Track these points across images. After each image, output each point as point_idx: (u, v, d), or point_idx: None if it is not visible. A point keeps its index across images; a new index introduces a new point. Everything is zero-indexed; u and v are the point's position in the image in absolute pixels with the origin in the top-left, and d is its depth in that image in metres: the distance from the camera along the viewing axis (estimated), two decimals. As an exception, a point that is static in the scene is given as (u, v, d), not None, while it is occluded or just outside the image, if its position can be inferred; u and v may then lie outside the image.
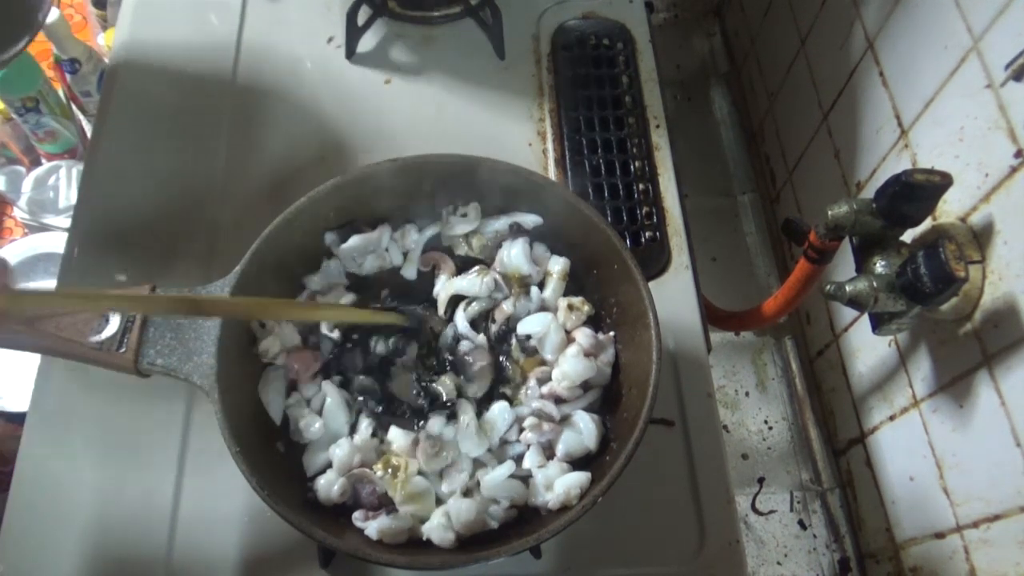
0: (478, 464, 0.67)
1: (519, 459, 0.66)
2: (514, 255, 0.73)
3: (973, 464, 0.77)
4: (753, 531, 1.06)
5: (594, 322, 0.73)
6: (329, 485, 0.64)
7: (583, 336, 0.70)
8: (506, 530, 0.64)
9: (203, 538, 0.72)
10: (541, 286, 0.74)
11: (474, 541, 0.62)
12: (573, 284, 0.74)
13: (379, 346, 0.71)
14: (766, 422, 1.14)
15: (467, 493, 0.65)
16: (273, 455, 0.67)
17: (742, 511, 1.07)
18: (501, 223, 0.74)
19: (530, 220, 0.74)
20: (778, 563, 1.04)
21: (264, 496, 0.58)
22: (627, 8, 1.04)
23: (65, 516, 0.72)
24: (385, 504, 0.64)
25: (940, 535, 0.82)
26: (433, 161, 0.72)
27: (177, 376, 0.62)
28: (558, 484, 0.63)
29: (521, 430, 0.67)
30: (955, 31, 0.77)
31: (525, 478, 0.65)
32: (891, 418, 0.92)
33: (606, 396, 0.71)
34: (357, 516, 0.63)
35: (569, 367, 0.68)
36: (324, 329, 0.71)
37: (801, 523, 1.07)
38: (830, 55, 1.04)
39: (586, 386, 0.70)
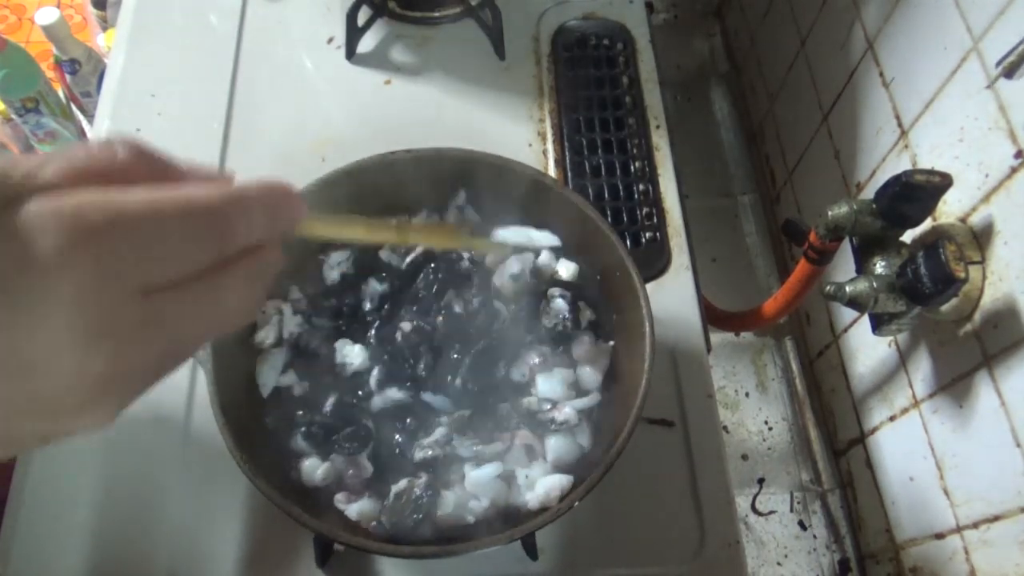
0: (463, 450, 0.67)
1: (506, 459, 0.66)
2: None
3: (973, 465, 0.76)
4: (753, 532, 1.06)
5: (594, 329, 0.73)
6: (312, 469, 0.65)
7: (581, 342, 0.70)
8: (483, 526, 0.64)
9: (203, 537, 0.72)
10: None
11: (450, 535, 0.63)
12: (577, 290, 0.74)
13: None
14: (766, 423, 1.14)
15: (447, 486, 0.65)
16: (263, 435, 0.67)
17: (742, 512, 1.07)
18: (511, 233, 0.73)
19: (546, 240, 0.71)
20: (778, 564, 1.04)
21: (245, 470, 0.58)
22: (627, 8, 1.04)
23: (65, 515, 0.72)
24: (368, 488, 0.65)
25: (940, 536, 0.82)
26: (448, 155, 0.72)
27: None
28: (539, 486, 0.63)
29: (512, 431, 0.67)
30: (955, 31, 0.77)
31: (509, 478, 0.65)
32: (891, 419, 0.92)
33: (599, 403, 0.70)
34: (339, 498, 0.63)
35: (564, 373, 0.68)
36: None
37: (801, 524, 1.07)
38: (830, 55, 1.04)
39: (580, 392, 0.69)
